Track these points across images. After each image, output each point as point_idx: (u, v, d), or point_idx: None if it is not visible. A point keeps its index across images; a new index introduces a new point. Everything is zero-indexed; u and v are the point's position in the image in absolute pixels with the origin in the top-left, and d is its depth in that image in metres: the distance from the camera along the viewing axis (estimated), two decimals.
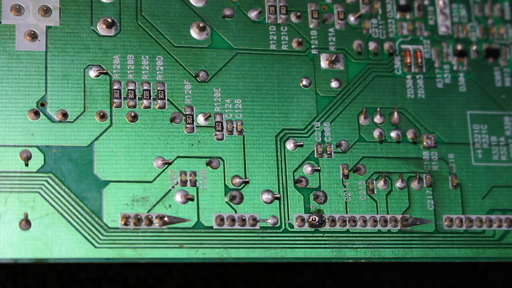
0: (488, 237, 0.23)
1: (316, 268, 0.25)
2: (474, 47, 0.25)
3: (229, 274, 0.25)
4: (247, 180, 0.22)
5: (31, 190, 0.21)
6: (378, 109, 0.24)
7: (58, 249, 0.21)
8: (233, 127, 0.23)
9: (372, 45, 0.24)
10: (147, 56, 0.23)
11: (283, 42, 0.24)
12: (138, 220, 0.21)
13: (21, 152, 0.21)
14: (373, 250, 0.22)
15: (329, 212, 0.22)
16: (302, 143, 0.23)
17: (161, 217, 0.21)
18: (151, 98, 0.23)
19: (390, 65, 0.24)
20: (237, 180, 0.22)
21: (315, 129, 0.23)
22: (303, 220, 0.22)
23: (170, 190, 0.22)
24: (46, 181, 0.21)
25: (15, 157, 0.21)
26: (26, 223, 0.21)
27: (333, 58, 0.24)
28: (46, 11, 0.22)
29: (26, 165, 0.21)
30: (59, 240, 0.21)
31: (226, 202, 0.22)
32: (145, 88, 0.22)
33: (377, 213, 0.23)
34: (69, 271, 0.23)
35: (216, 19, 0.24)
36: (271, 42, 0.24)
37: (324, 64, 0.24)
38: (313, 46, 0.24)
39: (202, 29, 0.23)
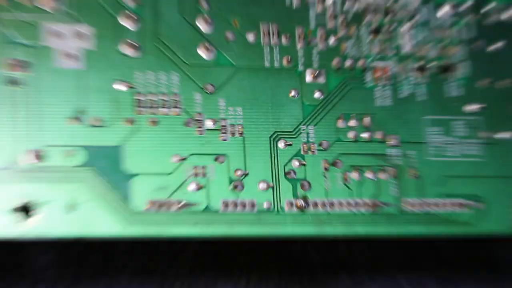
0: (440, 217, 0.25)
1: (303, 243, 0.27)
2: (432, 64, 0.26)
3: (232, 248, 0.27)
4: (247, 172, 0.25)
5: (76, 181, 0.23)
6: (353, 115, 0.26)
7: (97, 228, 0.23)
8: (235, 130, 0.25)
9: (348, 63, 0.26)
10: (164, 73, 0.24)
11: (275, 60, 0.25)
12: (159, 205, 0.23)
13: (68, 151, 0.23)
14: (348, 227, 0.24)
15: (312, 197, 0.24)
16: (291, 142, 0.25)
17: (178, 202, 0.23)
18: (169, 107, 0.24)
19: (362, 79, 0.26)
20: (239, 173, 0.24)
21: (302, 131, 0.25)
22: (291, 204, 0.24)
23: (185, 181, 0.24)
24: (87, 174, 0.23)
25: (63, 155, 0.23)
26: (72, 207, 0.22)
27: (316, 73, 0.25)
28: (83, 36, 0.24)
29: (72, 161, 0.23)
30: (97, 221, 0.23)
31: (230, 190, 0.24)
32: (163, 98, 0.24)
33: (352, 198, 0.24)
34: (104, 245, 0.26)
35: (220, 42, 0.25)
36: (265, 60, 0.25)
37: (309, 78, 0.25)
38: (299, 64, 0.26)
39: (208, 50, 0.25)
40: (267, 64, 0.25)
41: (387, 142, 0.26)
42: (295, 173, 0.25)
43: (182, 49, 0.25)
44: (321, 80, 0.26)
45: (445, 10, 0.27)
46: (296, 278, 0.28)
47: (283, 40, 0.26)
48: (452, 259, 0.29)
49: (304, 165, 0.25)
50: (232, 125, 0.25)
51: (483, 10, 0.27)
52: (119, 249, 0.27)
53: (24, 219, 0.22)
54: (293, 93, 0.25)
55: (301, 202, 0.24)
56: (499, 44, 0.27)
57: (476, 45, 0.27)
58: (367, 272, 0.28)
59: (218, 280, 0.27)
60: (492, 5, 0.27)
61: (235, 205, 0.24)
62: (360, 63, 0.26)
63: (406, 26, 0.27)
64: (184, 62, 0.25)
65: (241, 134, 0.25)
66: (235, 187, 0.24)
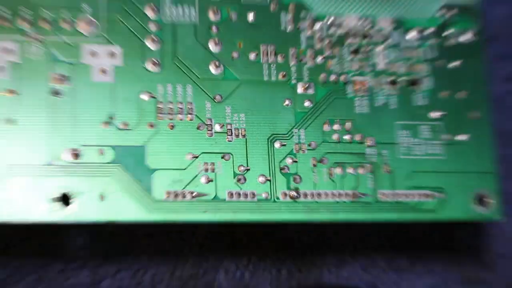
0: (409, 205, 0.25)
1: (295, 227, 0.28)
2: (401, 78, 0.27)
3: (236, 231, 0.28)
4: (249, 168, 0.25)
5: (106, 175, 0.23)
6: (336, 120, 0.26)
7: (123, 214, 0.23)
8: (239, 132, 0.25)
9: (332, 77, 0.26)
10: (180, 85, 0.25)
11: (272, 75, 0.26)
12: (176, 195, 0.24)
13: (100, 150, 0.23)
14: (332, 214, 0.25)
15: (303, 189, 0.25)
16: (285, 143, 0.25)
17: (191, 193, 0.24)
18: (184, 113, 0.25)
19: (344, 90, 0.26)
20: (242, 168, 0.25)
21: (294, 134, 0.26)
22: (286, 194, 0.25)
23: (197, 175, 0.24)
24: (116, 171, 0.24)
25: (95, 153, 0.23)
26: (103, 197, 0.23)
27: (306, 86, 0.26)
28: (114, 55, 0.24)
29: (103, 158, 0.24)
30: (124, 208, 0.23)
31: (235, 183, 0.25)
32: (179, 106, 0.25)
33: (335, 190, 0.25)
34: (129, 229, 0.27)
35: (227, 60, 0.26)
36: (264, 75, 0.26)
37: (300, 90, 0.26)
38: (292, 78, 0.26)
39: (217, 66, 0.25)
40: (266, 78, 0.26)
41: (365, 143, 0.26)
42: (288, 168, 0.25)
43: (196, 66, 0.26)
44: (310, 91, 0.26)
45: (412, 34, 0.27)
46: (290, 257, 0.28)
47: (279, 59, 0.26)
48: (420, 240, 0.29)
49: (296, 162, 0.25)
50: (236, 128, 0.25)
51: (444, 34, 0.28)
52: (141, 232, 0.27)
53: (63, 206, 0.23)
54: (287, 102, 0.26)
55: (293, 193, 0.25)
56: (457, 62, 0.27)
57: (438, 63, 0.27)
58: (349, 252, 0.29)
59: (224, 259, 0.28)
60: (451, 30, 0.28)
61: (239, 195, 0.25)
62: (342, 77, 0.26)
63: (380, 48, 0.27)
64: (197, 77, 0.25)
65: (244, 136, 0.25)
66: (239, 180, 0.25)
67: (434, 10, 0.28)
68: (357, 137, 0.26)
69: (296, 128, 0.26)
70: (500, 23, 0.33)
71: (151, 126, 0.25)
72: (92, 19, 0.25)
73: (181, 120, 0.25)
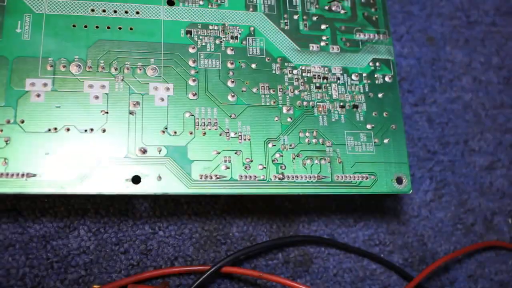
0: (353, 183, 0.25)
1: (282, 197, 0.28)
2: (347, 104, 0.27)
3: (243, 200, 0.28)
4: (252, 160, 0.25)
5: (162, 164, 0.23)
6: (307, 130, 0.26)
7: (172, 188, 0.23)
8: (246, 137, 0.25)
9: (305, 103, 0.26)
10: (210, 108, 0.25)
11: (267, 102, 0.26)
12: (205, 176, 0.24)
13: (158, 148, 0.23)
14: (305, 189, 0.25)
15: (287, 173, 0.25)
16: (275, 144, 0.25)
17: (216, 175, 0.24)
18: (211, 125, 0.24)
19: (312, 111, 0.26)
20: (247, 160, 0.24)
21: (281, 138, 0.25)
22: (276, 176, 0.25)
23: (219, 164, 0.24)
24: (168, 161, 0.24)
25: (155, 150, 0.23)
26: (159, 178, 0.23)
27: (288, 108, 0.26)
28: (168, 89, 0.24)
29: (159, 153, 0.24)
30: (173, 185, 0.23)
31: (243, 169, 0.24)
32: (209, 121, 0.25)
33: (307, 174, 0.25)
34: (174, 198, 0.27)
35: (239, 92, 0.25)
36: (262, 101, 0.25)
37: (284, 111, 0.25)
38: (279, 103, 0.26)
39: (233, 96, 0.25)
40: (263, 103, 0.26)
41: (325, 144, 0.26)
42: (277, 160, 0.25)
43: (219, 96, 0.25)
44: (291, 112, 0.26)
45: (354, 76, 0.27)
46: (278, 217, 0.28)
47: (271, 91, 0.26)
48: (360, 206, 0.29)
49: (282, 156, 0.25)
50: (245, 135, 0.25)
51: (374, 76, 0.28)
52: (183, 200, 0.27)
53: (134, 184, 0.23)
54: (276, 118, 0.26)
55: (280, 176, 0.25)
56: (381, 94, 0.27)
57: (370, 94, 0.27)
58: (315, 214, 0.29)
59: (236, 218, 0.28)
60: (377, 74, 0.28)
61: (246, 177, 0.24)
62: (310, 103, 0.26)
63: (334, 85, 0.27)
64: (220, 102, 0.25)
65: (249, 139, 0.25)
66: (246, 167, 0.25)
67: (367, 62, 0.28)
68: (320, 141, 0.26)
69: (282, 135, 0.25)
70: (407, 70, 0.33)
71: (191, 133, 0.25)
72: (155, 66, 0.25)
73: (209, 129, 0.25)
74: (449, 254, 0.29)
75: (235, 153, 0.25)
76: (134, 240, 0.26)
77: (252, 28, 0.27)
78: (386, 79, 0.28)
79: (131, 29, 0.25)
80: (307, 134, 0.26)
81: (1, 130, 0.23)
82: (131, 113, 0.24)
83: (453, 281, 0.29)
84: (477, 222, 0.31)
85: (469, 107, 0.33)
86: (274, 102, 0.26)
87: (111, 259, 0.26)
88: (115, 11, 0.25)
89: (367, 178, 0.26)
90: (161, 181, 0.24)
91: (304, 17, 0.28)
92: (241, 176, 0.24)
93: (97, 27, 0.25)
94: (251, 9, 0.27)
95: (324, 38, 0.28)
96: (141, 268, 0.26)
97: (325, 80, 0.27)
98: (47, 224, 0.25)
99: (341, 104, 0.27)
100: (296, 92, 0.26)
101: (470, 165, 0.32)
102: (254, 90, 0.26)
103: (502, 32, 0.36)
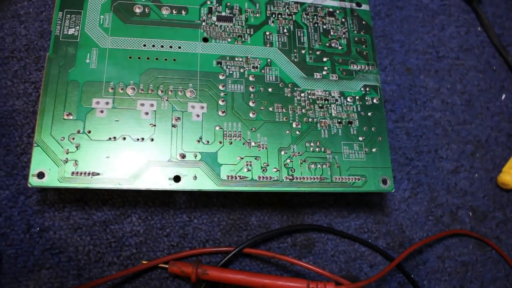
0: (348, 183, 0.24)
1: (291, 194, 0.27)
2: (344, 120, 0.26)
3: (262, 196, 0.27)
4: (268, 164, 0.24)
5: (197, 166, 0.23)
6: (312, 141, 0.25)
7: (205, 186, 0.23)
8: (264, 146, 0.24)
9: (310, 119, 0.25)
10: (235, 123, 0.24)
11: (280, 118, 0.25)
12: (231, 177, 0.23)
13: (194, 154, 0.23)
14: (310, 188, 0.24)
15: (295, 175, 0.24)
16: (287, 152, 0.24)
17: (240, 176, 0.23)
18: (236, 136, 0.24)
19: (316, 126, 0.25)
20: (265, 164, 0.24)
21: (291, 147, 0.24)
22: (287, 177, 0.24)
23: (242, 167, 0.23)
24: (202, 164, 0.23)
25: (192, 155, 0.23)
26: (195, 177, 0.23)
27: (297, 124, 0.25)
28: (203, 107, 0.24)
29: (195, 157, 0.23)
30: (206, 183, 0.23)
31: (261, 171, 0.24)
32: (235, 133, 0.24)
33: (312, 176, 0.24)
34: (206, 194, 0.26)
35: (258, 110, 0.25)
36: (276, 118, 0.25)
37: (294, 126, 0.25)
38: (290, 120, 0.25)
39: (253, 114, 0.24)
40: (277, 120, 0.25)
41: (326, 152, 0.25)
42: (288, 164, 0.24)
43: (243, 113, 0.25)
44: (299, 126, 0.25)
45: (349, 98, 0.26)
46: (287, 209, 0.27)
47: (283, 110, 0.25)
48: (353, 202, 0.28)
49: (292, 161, 0.24)
50: (262, 144, 0.24)
51: (365, 98, 0.27)
52: (214, 195, 0.27)
53: (175, 182, 0.23)
54: (287, 131, 0.25)
55: (290, 177, 0.24)
56: (370, 113, 0.26)
57: (362, 113, 0.26)
58: (317, 207, 0.28)
59: (254, 210, 0.27)
60: (367, 97, 0.27)
61: (263, 177, 0.24)
62: (315, 120, 0.26)
63: (333, 105, 0.26)
64: (244, 118, 0.25)
65: (266, 148, 0.24)
66: (263, 170, 0.24)
67: (359, 87, 0.27)
68: (322, 149, 0.25)
69: (292, 145, 0.25)
70: (390, 94, 0.32)
71: (220, 142, 0.24)
72: (193, 89, 0.25)
73: (235, 139, 0.24)
74: (422, 240, 0.28)
75: (255, 158, 0.24)
76: (174, 226, 0.25)
77: (269, 60, 0.26)
78: (374, 101, 0.27)
79: (174, 60, 0.25)
80: (312, 144, 0.25)
81: (73, 138, 0.22)
82: (173, 126, 0.24)
83: (425, 261, 0.28)
84: (444, 215, 0.30)
85: (439, 123, 0.32)
86: (286, 119, 0.25)
87: (156, 240, 0.25)
88: (162, 46, 0.25)
89: (359, 180, 0.25)
90: (197, 180, 0.23)
91: (310, 52, 0.27)
92: (260, 177, 0.24)
93: (148, 58, 0.25)
94: (268, 45, 0.27)
95: (325, 68, 0.27)
96: (180, 248, 0.25)
97: (326, 101, 0.26)
98: (107, 212, 0.25)
99: (339, 120, 0.26)
100: (303, 110, 0.26)
101: (439, 169, 0.31)
102: (270, 109, 0.25)
103: (464, 65, 0.34)
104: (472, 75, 0.34)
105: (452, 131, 0.32)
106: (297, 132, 0.25)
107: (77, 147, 0.22)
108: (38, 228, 0.24)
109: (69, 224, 0.24)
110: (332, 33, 0.28)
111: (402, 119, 0.31)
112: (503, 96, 0.34)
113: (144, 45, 0.25)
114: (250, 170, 0.24)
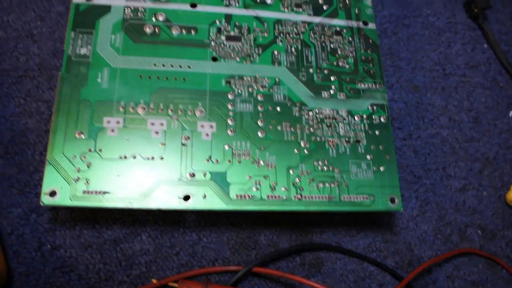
0: (357, 202, 0.24)
1: (300, 213, 0.26)
2: (351, 139, 0.26)
3: (271, 215, 0.27)
4: (277, 183, 0.24)
5: (207, 185, 0.23)
6: (320, 160, 0.25)
7: (214, 205, 0.23)
8: (272, 165, 0.24)
9: (318, 138, 0.25)
10: (244, 142, 0.24)
11: (288, 137, 0.25)
12: (240, 196, 0.23)
13: (203, 173, 0.23)
14: (319, 207, 0.24)
15: (304, 194, 0.24)
16: (295, 171, 0.24)
17: (248, 195, 0.23)
18: (245, 155, 0.24)
19: (324, 145, 0.25)
20: (273, 183, 0.24)
21: (300, 166, 0.24)
22: (295, 196, 0.24)
23: (251, 186, 0.24)
24: (211, 183, 0.23)
25: (202, 174, 0.23)
26: (205, 196, 0.23)
27: (305, 143, 0.25)
28: (212, 127, 0.24)
29: (205, 177, 0.23)
30: (215, 202, 0.23)
31: (270, 190, 0.24)
32: (244, 153, 0.24)
33: (320, 194, 0.24)
34: (216, 212, 0.26)
35: (267, 129, 0.25)
36: (285, 137, 0.25)
37: (302, 145, 0.25)
38: (299, 139, 0.25)
39: (262, 133, 0.25)
40: (285, 139, 0.25)
41: (334, 171, 0.25)
42: (297, 184, 0.24)
43: (251, 132, 0.25)
44: (307, 145, 0.25)
45: (356, 117, 0.27)
46: (296, 228, 0.28)
47: (292, 129, 0.25)
48: (362, 220, 0.28)
49: (300, 180, 0.24)
50: (271, 163, 0.24)
51: (373, 117, 0.27)
52: (223, 215, 0.27)
53: (185, 201, 0.23)
54: (295, 150, 0.25)
55: (299, 196, 0.24)
56: (378, 131, 0.27)
57: (369, 132, 0.26)
58: (326, 226, 0.28)
59: (263, 229, 0.27)
60: (375, 116, 0.27)
61: (272, 197, 0.24)
62: (323, 139, 0.26)
63: (341, 124, 0.26)
64: (252, 137, 0.25)
65: (274, 167, 0.24)
66: (272, 189, 0.24)
67: (366, 106, 0.27)
68: (331, 168, 0.25)
69: (300, 163, 0.25)
70: (397, 112, 0.32)
71: (229, 161, 0.24)
72: (202, 109, 0.25)
73: (244, 158, 0.24)
74: (431, 259, 0.28)
75: (264, 177, 0.24)
76: (184, 244, 0.26)
77: (277, 79, 0.27)
78: (382, 119, 0.27)
79: (184, 79, 0.25)
80: (320, 163, 0.25)
81: (85, 157, 0.23)
82: (183, 145, 0.24)
83: (435, 280, 0.28)
84: (453, 233, 0.29)
85: (446, 141, 0.32)
86: (294, 138, 0.25)
87: (166, 259, 0.25)
88: (171, 65, 0.25)
89: (367, 198, 0.25)
90: (206, 199, 0.23)
91: (317, 71, 0.27)
92: (268, 196, 0.24)
93: (158, 77, 0.25)
94: (276, 64, 0.27)
95: (333, 87, 0.27)
96: (189, 267, 0.25)
97: (334, 120, 0.26)
98: (117, 230, 0.25)
99: (347, 139, 0.26)
100: (311, 129, 0.26)
101: (447, 187, 0.31)
102: (279, 128, 0.25)
103: (471, 82, 0.35)
104: (479, 92, 0.34)
105: (460, 148, 0.32)
106: (305, 151, 0.25)
107: (88, 165, 0.22)
108: (49, 246, 0.24)
109: (80, 242, 0.25)
110: (339, 52, 0.28)
111: (409, 136, 0.31)
112: (511, 113, 0.34)
113: (155, 65, 0.25)
114: (258, 189, 0.24)
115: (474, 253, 0.30)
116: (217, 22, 0.27)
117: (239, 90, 0.26)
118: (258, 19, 0.28)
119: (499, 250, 0.30)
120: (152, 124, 0.24)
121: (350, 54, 0.28)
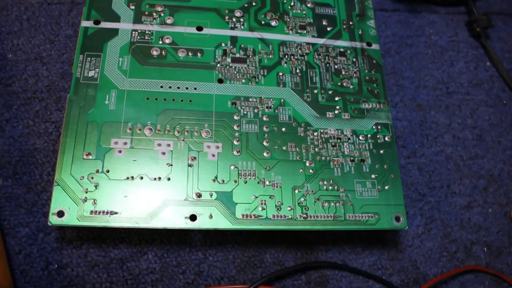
0: (362, 221, 0.25)
1: (305, 231, 0.27)
2: (356, 158, 0.26)
3: (276, 234, 0.27)
4: (282, 203, 0.24)
5: (213, 205, 0.23)
6: (325, 179, 0.25)
7: (221, 224, 0.23)
8: (278, 185, 0.24)
9: (323, 158, 0.25)
10: (250, 162, 0.24)
11: (294, 157, 0.25)
12: (246, 215, 0.23)
13: (210, 193, 0.23)
14: (323, 226, 0.24)
15: (309, 213, 0.24)
16: (300, 190, 0.25)
17: (254, 215, 0.23)
18: (251, 175, 0.24)
19: (329, 165, 0.25)
20: (279, 203, 0.24)
21: (305, 185, 0.25)
22: (301, 216, 0.24)
23: (257, 206, 0.24)
24: (217, 203, 0.23)
25: (208, 195, 0.23)
26: (211, 216, 0.23)
27: (310, 162, 0.25)
28: (218, 147, 0.24)
29: (211, 197, 0.23)
30: (221, 221, 0.23)
31: (275, 210, 0.24)
32: (250, 172, 0.24)
33: (325, 214, 0.24)
34: (222, 231, 0.27)
35: (272, 149, 0.25)
36: (290, 157, 0.25)
37: (307, 164, 0.25)
38: (304, 158, 0.25)
39: (268, 153, 0.25)
40: (291, 158, 0.25)
41: (339, 190, 0.25)
42: (302, 203, 0.24)
43: (257, 152, 0.25)
44: (312, 165, 0.25)
45: (361, 137, 0.27)
46: (301, 246, 0.28)
47: (297, 149, 0.26)
48: (367, 238, 0.29)
49: (305, 200, 0.25)
50: (277, 183, 0.25)
51: (377, 136, 0.27)
52: (229, 233, 0.27)
53: (191, 221, 0.23)
54: (301, 170, 0.25)
55: (304, 215, 0.24)
56: (383, 150, 0.27)
57: (374, 151, 0.27)
58: (331, 244, 0.28)
59: (268, 247, 0.27)
60: (379, 135, 0.27)
61: (277, 216, 0.24)
62: (328, 158, 0.26)
63: (346, 144, 0.27)
64: (258, 158, 0.25)
65: (280, 187, 0.24)
66: (277, 208, 0.24)
67: (371, 125, 0.27)
68: (336, 187, 0.25)
69: (305, 183, 0.25)
70: (401, 130, 0.32)
71: (235, 181, 0.24)
72: (208, 130, 0.25)
73: (249, 178, 0.24)
74: (437, 276, 0.28)
75: (269, 197, 0.24)
76: (190, 263, 0.26)
77: (282, 100, 0.27)
78: (386, 139, 0.27)
79: (190, 101, 0.26)
80: (325, 182, 0.25)
81: (92, 178, 0.23)
82: (189, 165, 0.24)
83: None
84: (459, 250, 0.29)
85: (450, 158, 0.32)
86: (300, 158, 0.26)
87: (172, 278, 0.25)
88: (178, 87, 0.26)
89: (372, 217, 0.25)
90: (212, 218, 0.23)
91: (322, 91, 0.28)
92: (274, 216, 0.24)
93: (164, 99, 0.25)
94: (281, 85, 0.27)
95: (337, 107, 0.27)
96: (195, 285, 0.25)
97: (338, 140, 0.27)
98: (124, 249, 0.25)
99: (351, 158, 0.26)
100: (316, 149, 0.26)
101: (452, 205, 0.31)
102: (284, 148, 0.26)
103: (474, 100, 0.35)
104: (483, 110, 0.35)
105: (464, 166, 0.32)
106: (311, 171, 0.25)
107: (96, 186, 0.23)
108: (56, 265, 0.24)
109: (87, 261, 0.25)
110: (343, 73, 0.28)
111: (414, 154, 0.32)
112: None
113: (161, 87, 0.25)
114: (264, 209, 0.24)
115: (480, 270, 0.29)
116: (223, 44, 0.28)
117: (244, 111, 0.26)
118: (263, 41, 0.28)
119: (505, 267, 0.30)
120: (159, 145, 0.24)
121: (354, 75, 0.29)
